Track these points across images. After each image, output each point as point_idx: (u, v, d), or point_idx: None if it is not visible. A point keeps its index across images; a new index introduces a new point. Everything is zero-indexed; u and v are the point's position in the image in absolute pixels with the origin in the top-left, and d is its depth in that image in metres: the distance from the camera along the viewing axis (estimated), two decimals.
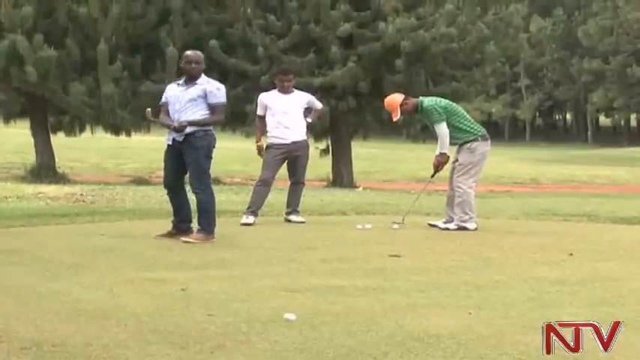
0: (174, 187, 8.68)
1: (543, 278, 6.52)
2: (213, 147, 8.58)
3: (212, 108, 8.45)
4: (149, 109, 8.99)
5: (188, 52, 8.71)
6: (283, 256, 7.55)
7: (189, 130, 8.38)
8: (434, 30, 20.38)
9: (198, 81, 8.49)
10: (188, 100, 8.44)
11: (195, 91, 8.45)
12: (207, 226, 8.45)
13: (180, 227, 8.60)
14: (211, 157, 8.57)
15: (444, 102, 9.91)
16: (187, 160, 8.46)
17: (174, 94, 8.57)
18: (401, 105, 9.77)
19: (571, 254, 7.79)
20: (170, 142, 8.56)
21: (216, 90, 8.49)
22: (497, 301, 5.63)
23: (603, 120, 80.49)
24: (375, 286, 6.13)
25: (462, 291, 5.98)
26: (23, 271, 6.63)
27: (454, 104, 10.02)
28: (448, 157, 9.71)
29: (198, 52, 8.76)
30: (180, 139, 8.42)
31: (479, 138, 9.71)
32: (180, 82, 8.63)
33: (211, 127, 8.61)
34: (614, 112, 71.77)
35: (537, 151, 52.54)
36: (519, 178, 29.60)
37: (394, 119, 9.95)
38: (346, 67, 20.24)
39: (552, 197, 17.49)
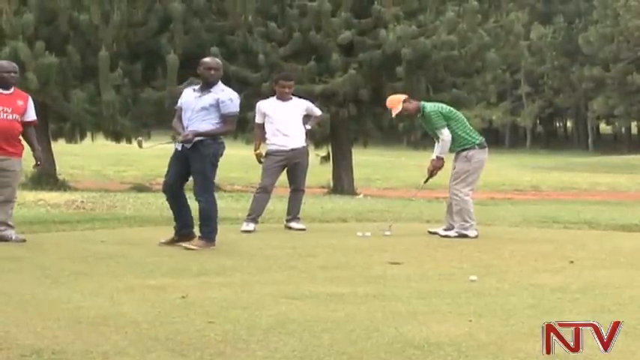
0: (173, 192, 8.64)
1: (544, 285, 6.52)
2: (221, 155, 8.54)
3: (223, 118, 8.42)
4: (140, 139, 9.10)
5: (206, 59, 8.65)
6: (284, 263, 7.55)
7: (199, 137, 8.37)
8: (435, 37, 20.39)
9: (213, 89, 8.43)
10: (200, 108, 8.40)
11: (208, 99, 8.40)
12: (209, 234, 8.44)
13: (183, 233, 8.59)
14: (217, 166, 8.55)
15: (446, 108, 9.93)
16: (193, 167, 8.44)
17: (188, 100, 8.53)
18: (404, 101, 9.78)
19: (571, 262, 7.79)
20: (179, 148, 8.55)
21: (228, 100, 8.42)
22: (498, 308, 5.63)
23: (604, 127, 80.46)
24: (375, 293, 6.13)
25: (463, 298, 5.98)
26: (23, 278, 6.63)
27: (455, 111, 10.04)
28: (444, 162, 9.72)
29: (217, 59, 8.73)
30: (189, 145, 8.42)
31: (476, 146, 9.73)
32: (197, 87, 8.61)
33: (221, 136, 8.56)
34: (614, 119, 71.71)
35: (538, 159, 52.54)
36: (520, 185, 29.58)
37: (393, 114, 9.95)
38: (347, 74, 20.24)
39: (553, 204, 17.49)
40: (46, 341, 4.60)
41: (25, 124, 8.80)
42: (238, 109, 8.55)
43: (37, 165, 9.03)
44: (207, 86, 8.47)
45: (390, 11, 20.46)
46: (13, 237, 8.65)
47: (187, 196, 8.71)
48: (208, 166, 8.45)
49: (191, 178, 8.62)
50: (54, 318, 5.14)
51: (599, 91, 67.20)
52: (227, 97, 8.45)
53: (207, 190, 8.50)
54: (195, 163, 8.42)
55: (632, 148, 66.02)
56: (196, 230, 8.58)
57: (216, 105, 8.38)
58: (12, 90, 8.72)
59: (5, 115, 8.56)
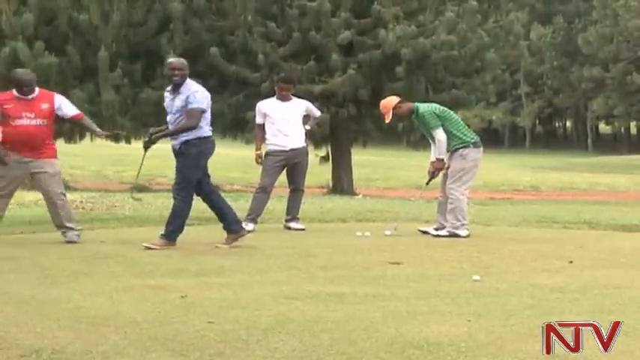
0: (206, 194, 8.61)
1: (543, 285, 6.52)
2: (210, 154, 8.54)
3: (186, 113, 8.35)
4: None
5: (171, 59, 8.62)
6: (283, 263, 7.55)
7: (184, 137, 8.37)
8: (434, 37, 20.39)
9: (182, 89, 8.38)
10: (175, 111, 8.43)
11: (178, 102, 8.39)
12: (171, 233, 8.44)
13: (232, 229, 8.59)
14: (201, 167, 8.49)
15: (439, 108, 9.96)
16: (177, 164, 8.46)
17: (167, 103, 8.57)
18: (394, 108, 9.82)
19: (571, 262, 7.79)
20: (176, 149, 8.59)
21: (192, 96, 8.34)
22: (497, 308, 5.63)
23: (603, 127, 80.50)
24: (374, 293, 6.13)
25: (462, 298, 5.97)
26: (23, 278, 6.63)
27: (449, 110, 10.06)
28: (444, 163, 9.74)
29: (182, 60, 8.60)
30: (177, 146, 8.43)
31: (470, 145, 9.76)
32: (169, 89, 8.59)
33: (207, 135, 8.50)
34: (614, 119, 71.78)
35: (537, 159, 52.56)
36: (519, 185, 29.60)
37: (386, 121, 10.01)
38: (346, 74, 20.25)
39: (552, 205, 17.50)
40: (45, 341, 4.60)
41: (72, 121, 8.80)
42: (202, 105, 8.35)
43: (109, 135, 8.83)
44: (176, 87, 8.44)
45: (389, 11, 20.46)
46: (75, 238, 8.69)
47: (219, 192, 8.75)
48: (189, 167, 8.42)
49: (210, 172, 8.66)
50: (54, 318, 5.15)
51: (599, 91, 67.24)
52: (192, 91, 8.36)
53: (184, 189, 8.46)
54: (178, 161, 8.46)
55: (631, 148, 66.07)
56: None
57: (186, 105, 8.35)
58: (35, 94, 8.64)
59: (29, 121, 8.54)
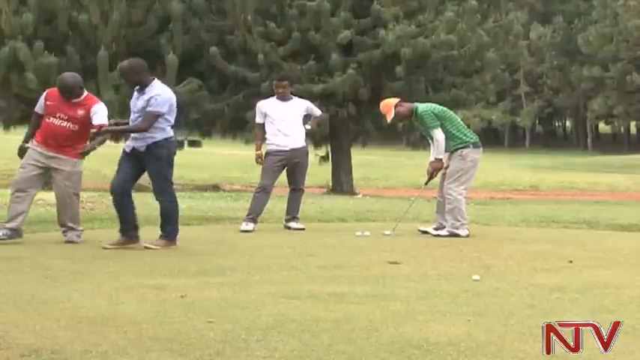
0: (123, 194, 8.55)
1: (543, 285, 6.52)
2: (174, 154, 8.55)
3: (144, 115, 8.29)
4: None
5: (121, 64, 8.45)
6: (283, 263, 7.55)
7: (151, 139, 8.34)
8: (434, 37, 20.39)
9: (147, 90, 8.33)
10: (137, 110, 8.41)
11: (141, 102, 8.35)
12: (170, 233, 8.47)
13: (132, 234, 8.50)
14: (173, 165, 8.53)
15: (438, 108, 9.96)
16: (150, 168, 8.44)
17: (132, 101, 8.54)
18: (395, 106, 9.82)
19: (570, 261, 7.79)
20: (128, 150, 8.51)
21: (154, 99, 8.27)
22: (497, 308, 5.63)
23: (603, 127, 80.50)
24: (374, 293, 6.13)
25: (462, 298, 5.98)
26: (23, 277, 6.63)
27: (448, 110, 10.06)
28: (443, 163, 9.74)
29: (132, 61, 8.50)
30: (142, 148, 8.38)
31: (470, 145, 9.77)
32: (138, 87, 8.51)
33: (172, 135, 8.51)
34: (613, 119, 71.78)
35: (537, 158, 52.55)
36: (519, 185, 29.60)
37: (388, 120, 10.00)
38: (346, 74, 20.25)
39: (552, 204, 17.51)
40: (45, 341, 4.60)
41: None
42: (160, 110, 8.26)
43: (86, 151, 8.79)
44: (143, 87, 8.39)
45: (389, 11, 20.46)
46: (75, 238, 8.67)
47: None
48: (165, 167, 8.44)
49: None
50: (53, 318, 5.15)
51: (599, 90, 67.23)
52: (154, 95, 8.27)
53: (167, 190, 8.51)
54: (150, 165, 8.41)
55: (631, 148, 66.10)
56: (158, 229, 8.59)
57: (147, 107, 8.30)
58: (80, 98, 8.66)
59: (59, 121, 8.61)
